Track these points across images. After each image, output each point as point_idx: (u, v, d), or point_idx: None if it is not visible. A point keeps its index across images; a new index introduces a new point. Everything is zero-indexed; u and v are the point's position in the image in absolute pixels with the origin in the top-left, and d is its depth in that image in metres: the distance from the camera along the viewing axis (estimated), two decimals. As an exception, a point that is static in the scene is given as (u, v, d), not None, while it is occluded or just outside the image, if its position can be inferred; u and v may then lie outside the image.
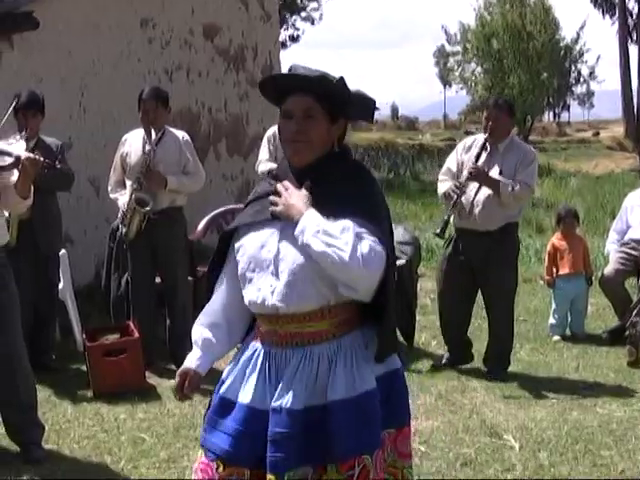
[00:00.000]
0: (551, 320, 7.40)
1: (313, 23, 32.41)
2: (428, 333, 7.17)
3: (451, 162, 6.16)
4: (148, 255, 6.25)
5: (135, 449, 4.82)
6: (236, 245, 2.77)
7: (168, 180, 6.08)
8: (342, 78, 2.65)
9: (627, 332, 6.56)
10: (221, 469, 2.67)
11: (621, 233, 7.55)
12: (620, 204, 8.20)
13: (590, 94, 54.71)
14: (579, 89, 47.40)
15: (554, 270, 7.42)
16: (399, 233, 6.78)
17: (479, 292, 6.23)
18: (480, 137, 6.12)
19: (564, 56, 40.02)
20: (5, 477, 4.45)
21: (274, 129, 6.35)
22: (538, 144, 32.39)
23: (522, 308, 7.95)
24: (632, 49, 40.59)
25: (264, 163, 6.63)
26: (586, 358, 6.67)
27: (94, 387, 5.82)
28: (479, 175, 5.86)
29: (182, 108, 9.45)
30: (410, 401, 2.86)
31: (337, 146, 2.74)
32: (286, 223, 2.62)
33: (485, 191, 5.88)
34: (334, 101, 2.66)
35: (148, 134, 6.12)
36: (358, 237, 2.53)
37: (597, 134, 43.54)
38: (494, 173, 5.90)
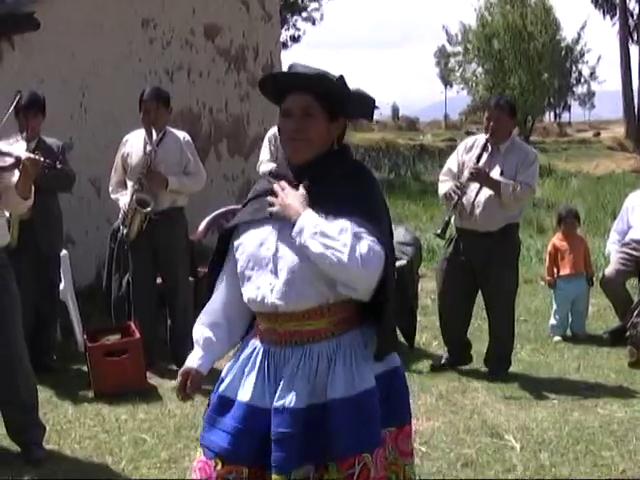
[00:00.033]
0: (552, 321, 7.40)
1: (314, 23, 32.41)
2: (429, 333, 7.17)
3: (452, 162, 6.16)
4: (149, 255, 6.25)
5: (136, 449, 4.82)
6: (235, 243, 2.77)
7: (169, 181, 6.09)
8: (342, 77, 2.65)
9: (628, 333, 6.56)
10: (220, 467, 2.67)
11: (622, 233, 7.55)
12: (621, 204, 8.19)
13: (591, 94, 54.78)
14: (580, 89, 47.54)
15: (555, 270, 7.42)
16: (400, 234, 6.78)
17: (479, 293, 6.23)
18: (481, 137, 6.11)
19: (565, 56, 40.03)
20: (6, 477, 4.45)
21: (275, 130, 6.34)
22: (539, 144, 32.39)
23: (523, 308, 7.95)
24: (633, 49, 40.61)
25: (265, 164, 6.63)
26: (587, 359, 6.67)
27: (95, 388, 5.82)
28: (480, 176, 5.86)
29: (183, 108, 9.46)
30: (411, 401, 2.87)
31: (336, 145, 2.75)
32: (285, 221, 2.63)
33: (486, 192, 5.88)
34: (334, 100, 2.66)
35: (149, 135, 6.13)
36: (357, 237, 2.53)
37: (598, 134, 43.53)
38: (495, 174, 5.90)
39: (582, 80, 44.34)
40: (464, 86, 40.39)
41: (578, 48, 40.76)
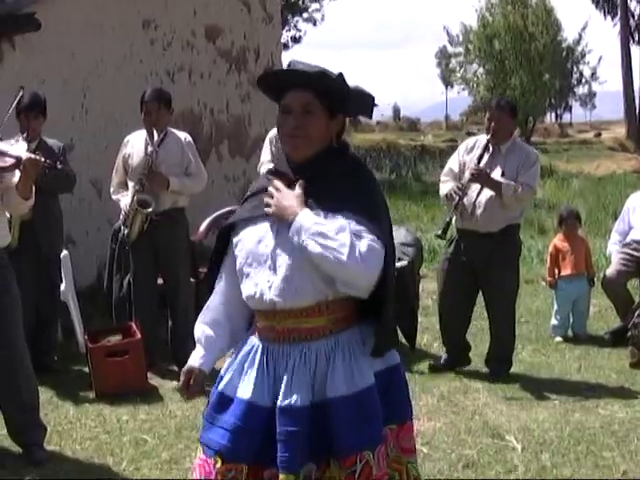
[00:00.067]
0: (553, 321, 7.40)
1: (315, 24, 32.37)
2: (430, 334, 7.16)
3: (453, 163, 6.16)
4: (150, 256, 6.25)
5: (137, 450, 4.82)
6: (234, 240, 2.77)
7: (170, 181, 6.09)
8: (341, 74, 2.65)
9: (629, 333, 6.56)
10: (219, 465, 2.67)
11: (623, 234, 7.55)
12: (622, 205, 8.20)
13: (592, 95, 54.72)
14: (581, 90, 47.51)
15: (556, 271, 7.42)
16: (401, 234, 6.78)
17: (480, 293, 6.23)
18: (482, 138, 6.11)
19: (566, 57, 40.01)
20: (7, 478, 4.45)
21: (276, 130, 6.35)
22: (540, 145, 32.39)
23: (524, 309, 7.95)
24: (634, 50, 40.62)
25: (266, 165, 6.62)
26: (588, 359, 6.66)
27: (96, 388, 5.82)
28: (481, 177, 5.86)
29: (184, 109, 9.46)
30: (412, 402, 2.87)
31: (335, 142, 2.75)
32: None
33: (487, 193, 5.88)
34: (333, 97, 2.66)
35: (150, 135, 6.13)
36: (356, 236, 2.53)
37: (599, 135, 43.55)
38: (496, 174, 5.90)
39: (583, 81, 44.36)
40: (465, 87, 40.39)
41: (579, 49, 40.76)
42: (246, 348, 2.76)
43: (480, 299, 6.29)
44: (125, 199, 6.23)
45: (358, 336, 2.69)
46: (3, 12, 7.51)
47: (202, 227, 8.08)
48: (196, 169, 6.31)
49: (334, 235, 2.52)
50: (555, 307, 7.43)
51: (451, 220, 6.03)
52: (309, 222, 2.55)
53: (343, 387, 2.61)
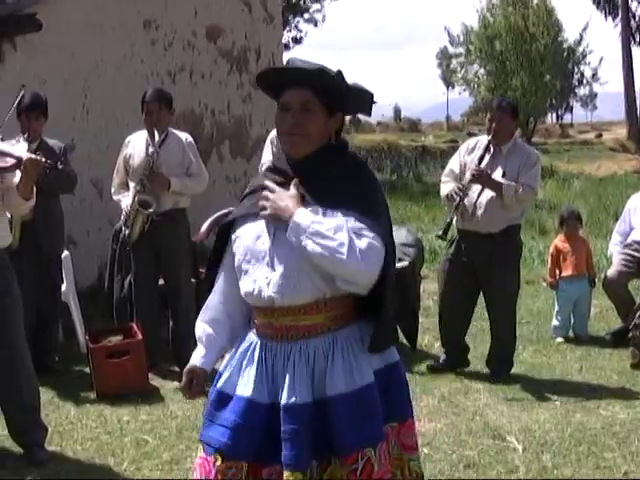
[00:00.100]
0: (554, 322, 7.40)
1: (316, 25, 32.37)
2: (431, 335, 7.16)
3: (454, 164, 6.16)
4: (151, 257, 6.25)
5: (138, 451, 4.82)
6: (233, 237, 2.78)
7: (171, 182, 6.09)
8: (340, 71, 2.65)
9: (630, 334, 6.55)
10: (219, 462, 2.67)
11: (624, 235, 7.55)
12: (623, 206, 8.20)
13: (593, 96, 54.83)
14: (582, 91, 47.56)
15: (557, 272, 7.42)
16: (402, 235, 6.77)
17: (480, 294, 6.23)
18: (483, 139, 6.11)
19: (567, 58, 39.99)
20: (8, 478, 4.45)
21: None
22: (541, 146, 32.39)
23: (525, 310, 7.94)
24: (635, 51, 40.76)
25: (267, 165, 6.62)
26: (589, 360, 6.66)
27: (97, 389, 5.82)
28: (482, 177, 5.86)
29: (185, 110, 9.46)
30: (413, 403, 2.87)
31: (334, 139, 2.74)
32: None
33: (488, 193, 5.88)
34: (332, 94, 2.66)
35: (151, 136, 6.13)
36: (356, 233, 2.54)
37: (600, 136, 43.55)
38: (497, 175, 5.90)
39: (584, 81, 44.38)
40: (466, 87, 40.39)
41: (580, 49, 40.74)
42: (244, 345, 2.76)
43: (481, 300, 6.29)
44: (126, 200, 6.23)
45: (357, 334, 2.69)
46: (4, 13, 7.52)
47: (203, 228, 8.08)
48: (197, 170, 6.31)
49: (332, 234, 2.51)
50: (556, 308, 7.42)
51: (452, 221, 6.03)
52: (306, 221, 2.55)
53: (342, 385, 2.61)
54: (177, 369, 6.06)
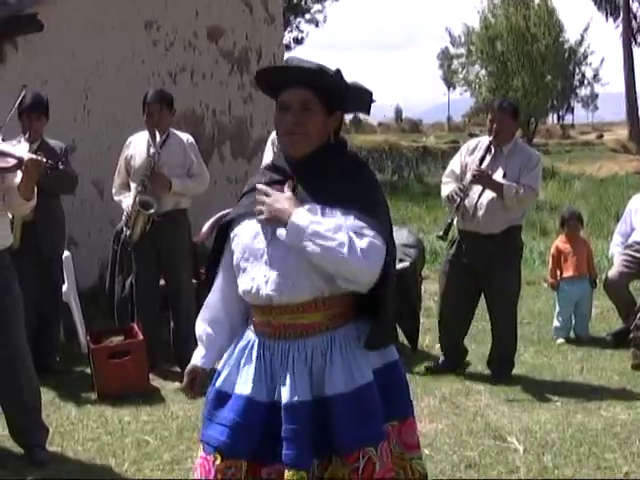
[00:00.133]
0: (555, 323, 7.39)
1: (317, 25, 32.36)
2: (432, 335, 7.15)
3: (455, 164, 6.16)
4: (152, 257, 6.25)
5: (139, 451, 4.82)
6: (231, 235, 2.78)
7: (172, 182, 6.09)
8: (339, 70, 2.65)
9: (631, 335, 6.55)
10: (219, 461, 2.67)
11: (625, 236, 7.55)
12: (624, 207, 8.19)
13: (594, 96, 54.77)
14: (583, 91, 47.39)
15: (558, 273, 7.42)
16: (403, 235, 6.77)
17: (481, 295, 6.23)
18: (484, 140, 6.11)
19: (568, 58, 39.95)
20: (8, 479, 4.45)
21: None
22: (542, 147, 32.40)
23: (526, 311, 7.94)
24: (636, 51, 40.76)
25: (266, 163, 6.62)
26: (590, 361, 6.66)
27: (98, 389, 5.82)
28: (483, 178, 5.86)
29: (186, 110, 9.46)
30: (414, 404, 2.86)
31: (333, 138, 2.74)
32: None
33: (489, 194, 5.88)
34: (331, 93, 2.66)
35: (152, 136, 6.13)
36: (356, 232, 2.54)
37: (601, 136, 43.55)
38: (498, 176, 5.90)
39: (585, 82, 44.27)
40: (467, 88, 40.35)
41: (581, 50, 40.68)
42: (242, 343, 2.76)
43: (481, 300, 6.28)
44: (127, 200, 6.23)
45: (354, 332, 2.69)
46: (5, 13, 7.52)
47: (204, 228, 8.07)
48: (198, 170, 6.31)
49: (332, 235, 2.51)
50: (557, 309, 7.42)
51: (452, 221, 6.02)
52: (305, 222, 2.55)
53: (341, 385, 2.61)
54: (178, 370, 6.06)
